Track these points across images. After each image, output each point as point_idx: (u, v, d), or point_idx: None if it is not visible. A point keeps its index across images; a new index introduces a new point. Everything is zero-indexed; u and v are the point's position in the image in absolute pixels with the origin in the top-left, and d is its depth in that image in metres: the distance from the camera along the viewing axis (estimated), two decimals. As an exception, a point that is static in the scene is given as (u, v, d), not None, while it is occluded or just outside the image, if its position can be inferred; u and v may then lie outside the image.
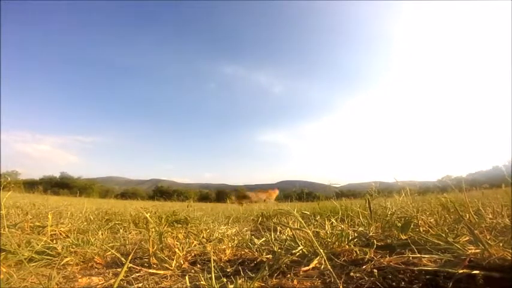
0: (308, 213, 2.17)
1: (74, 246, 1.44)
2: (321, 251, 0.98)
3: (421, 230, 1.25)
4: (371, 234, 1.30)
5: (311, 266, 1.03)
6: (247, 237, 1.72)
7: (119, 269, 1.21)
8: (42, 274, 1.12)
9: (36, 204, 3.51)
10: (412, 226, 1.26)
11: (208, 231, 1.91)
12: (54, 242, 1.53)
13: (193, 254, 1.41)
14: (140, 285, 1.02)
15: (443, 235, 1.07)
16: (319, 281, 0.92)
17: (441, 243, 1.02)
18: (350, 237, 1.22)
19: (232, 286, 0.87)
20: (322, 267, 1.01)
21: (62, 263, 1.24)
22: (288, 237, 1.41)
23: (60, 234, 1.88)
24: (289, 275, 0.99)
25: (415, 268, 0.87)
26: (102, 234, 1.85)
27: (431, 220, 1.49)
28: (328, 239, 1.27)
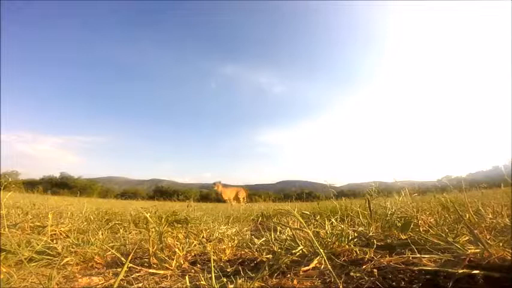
0: (308, 213, 2.17)
1: (74, 246, 1.44)
2: (321, 250, 0.98)
3: (421, 230, 1.25)
4: (371, 234, 1.30)
5: (311, 266, 1.03)
6: (247, 237, 1.72)
7: (119, 269, 1.21)
8: (42, 274, 1.12)
9: (36, 204, 3.51)
10: (412, 226, 1.26)
11: (208, 231, 1.91)
12: (55, 242, 1.53)
13: (193, 254, 1.41)
14: (140, 285, 1.02)
15: (443, 235, 1.07)
16: (319, 281, 0.92)
17: (441, 243, 1.02)
18: (350, 237, 1.22)
19: (232, 286, 0.87)
20: (322, 267, 1.02)
21: (62, 263, 1.24)
22: (288, 237, 1.41)
23: (60, 234, 1.88)
24: (289, 275, 0.99)
25: (415, 268, 0.87)
26: (102, 234, 1.85)
27: (431, 220, 1.49)
28: (328, 239, 1.27)
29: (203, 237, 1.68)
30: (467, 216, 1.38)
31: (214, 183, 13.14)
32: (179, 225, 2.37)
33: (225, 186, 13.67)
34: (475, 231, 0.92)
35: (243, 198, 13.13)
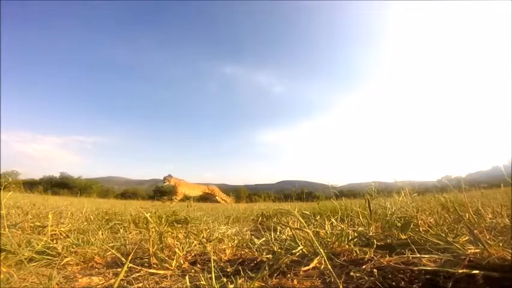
0: (308, 213, 2.17)
1: (74, 246, 1.44)
2: (321, 250, 0.98)
3: (421, 230, 1.25)
4: (371, 234, 1.30)
5: (311, 265, 1.03)
6: (247, 237, 1.72)
7: (119, 269, 1.21)
8: (42, 274, 1.12)
9: (36, 204, 3.51)
10: (411, 226, 1.26)
11: (208, 231, 1.92)
12: (55, 242, 1.53)
13: (193, 254, 1.41)
14: (140, 285, 1.02)
15: (443, 235, 1.07)
16: (319, 281, 0.93)
17: (441, 243, 1.02)
18: (350, 237, 1.22)
19: (232, 286, 0.87)
20: (322, 267, 1.02)
21: (62, 263, 1.24)
22: (288, 237, 1.42)
23: (61, 234, 1.88)
24: (289, 275, 0.99)
25: (415, 268, 0.87)
26: (102, 234, 1.85)
27: (431, 220, 1.49)
28: (328, 239, 1.27)
29: (203, 237, 1.68)
30: (467, 216, 1.38)
31: (164, 178, 9.86)
32: (179, 225, 2.38)
33: (197, 184, 11.27)
34: (475, 231, 0.92)
35: (224, 196, 11.17)
